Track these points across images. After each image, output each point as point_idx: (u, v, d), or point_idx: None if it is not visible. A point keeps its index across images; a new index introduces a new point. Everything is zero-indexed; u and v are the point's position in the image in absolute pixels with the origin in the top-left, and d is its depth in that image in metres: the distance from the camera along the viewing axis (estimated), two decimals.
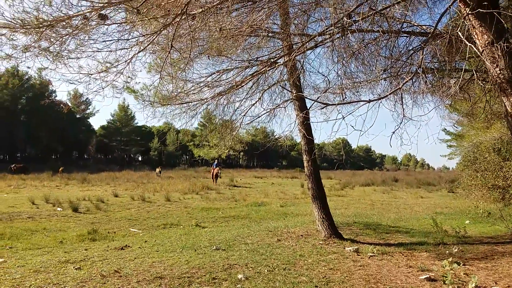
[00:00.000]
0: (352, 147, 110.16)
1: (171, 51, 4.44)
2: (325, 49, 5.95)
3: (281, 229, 9.71)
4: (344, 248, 7.67)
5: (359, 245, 8.00)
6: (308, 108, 8.47)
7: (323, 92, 7.38)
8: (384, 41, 5.85)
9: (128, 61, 4.95)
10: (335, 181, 34.80)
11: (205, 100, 7.51)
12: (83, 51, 5.61)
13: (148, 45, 4.71)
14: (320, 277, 5.66)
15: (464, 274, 5.51)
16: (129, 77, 5.45)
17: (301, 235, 8.97)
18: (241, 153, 77.30)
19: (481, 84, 4.82)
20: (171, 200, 17.69)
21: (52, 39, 5.30)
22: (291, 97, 8.54)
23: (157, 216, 13.37)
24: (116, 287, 5.10)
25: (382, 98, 4.27)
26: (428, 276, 5.72)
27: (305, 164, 9.12)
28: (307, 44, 5.46)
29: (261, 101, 8.46)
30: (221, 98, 7.58)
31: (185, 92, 7.42)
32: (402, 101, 4.31)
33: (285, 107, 8.21)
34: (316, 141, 9.08)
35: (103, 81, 5.38)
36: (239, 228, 10.30)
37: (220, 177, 29.48)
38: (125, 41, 4.85)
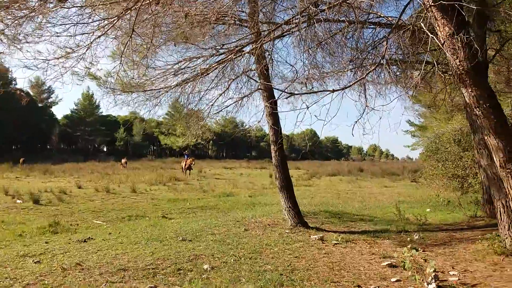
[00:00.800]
0: (320, 138, 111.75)
1: (134, 36, 4.29)
2: (293, 39, 5.95)
3: (248, 219, 9.74)
4: (310, 236, 7.79)
5: (324, 233, 8.14)
6: (276, 98, 8.49)
7: (292, 82, 7.40)
8: (351, 32, 5.90)
9: (88, 46, 4.72)
10: (303, 171, 35.24)
11: (169, 88, 7.33)
12: (41, 35, 5.32)
13: (109, 29, 4.52)
14: (285, 265, 5.72)
15: (423, 259, 5.71)
16: (90, 63, 5.22)
17: (268, 225, 9.04)
18: (210, 144, 76.79)
19: (442, 75, 4.97)
20: (137, 192, 17.36)
21: (7, 21, 5.00)
22: (258, 87, 8.51)
23: (122, 207, 13.10)
24: (78, 280, 4.97)
25: (346, 88, 4.31)
26: (389, 262, 5.90)
27: (273, 154, 9.18)
28: (275, 32, 5.43)
29: (229, 90, 8.38)
30: (186, 85, 7.42)
31: (150, 79, 7.23)
32: (365, 91, 4.38)
33: (251, 96, 8.15)
34: (285, 132, 9.15)
35: (62, 67, 5.13)
36: (206, 218, 10.25)
37: (191, 169, 28.42)
38: (85, 25, 4.63)
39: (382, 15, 5.93)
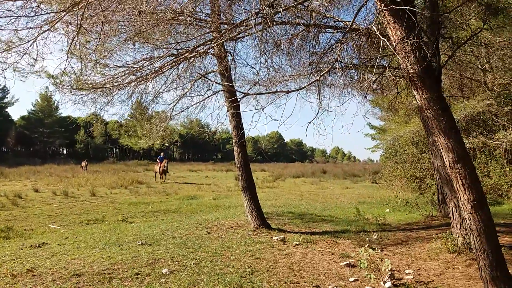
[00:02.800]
0: (285, 141, 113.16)
1: (85, 32, 4.13)
2: (252, 41, 5.96)
3: (211, 222, 9.67)
4: (272, 237, 7.82)
5: (286, 234, 8.20)
6: (238, 100, 8.48)
7: (253, 84, 7.40)
8: (309, 36, 5.98)
9: (34, 40, 4.49)
10: (268, 173, 35.42)
11: (122, 85, 7.12)
12: None
13: (56, 23, 4.31)
14: (246, 267, 5.71)
15: (380, 259, 5.84)
16: (34, 59, 4.95)
17: (231, 227, 9.00)
18: (175, 146, 75.71)
19: (394, 78, 5.13)
20: (96, 195, 16.82)
21: None
22: (221, 88, 8.46)
23: (81, 211, 12.66)
24: (28, 287, 4.77)
25: (300, 89, 4.37)
26: (348, 262, 6.02)
27: (236, 156, 9.16)
28: (232, 32, 5.40)
29: (190, 91, 8.27)
30: (139, 84, 7.23)
31: (108, 78, 7.01)
32: (319, 94, 4.45)
33: (212, 98, 8.09)
34: (251, 135, 9.14)
35: (4, 63, 4.83)
36: (168, 222, 10.08)
37: (167, 172, 25.83)
38: (29, 18, 4.37)
39: (340, 19, 6.05)
